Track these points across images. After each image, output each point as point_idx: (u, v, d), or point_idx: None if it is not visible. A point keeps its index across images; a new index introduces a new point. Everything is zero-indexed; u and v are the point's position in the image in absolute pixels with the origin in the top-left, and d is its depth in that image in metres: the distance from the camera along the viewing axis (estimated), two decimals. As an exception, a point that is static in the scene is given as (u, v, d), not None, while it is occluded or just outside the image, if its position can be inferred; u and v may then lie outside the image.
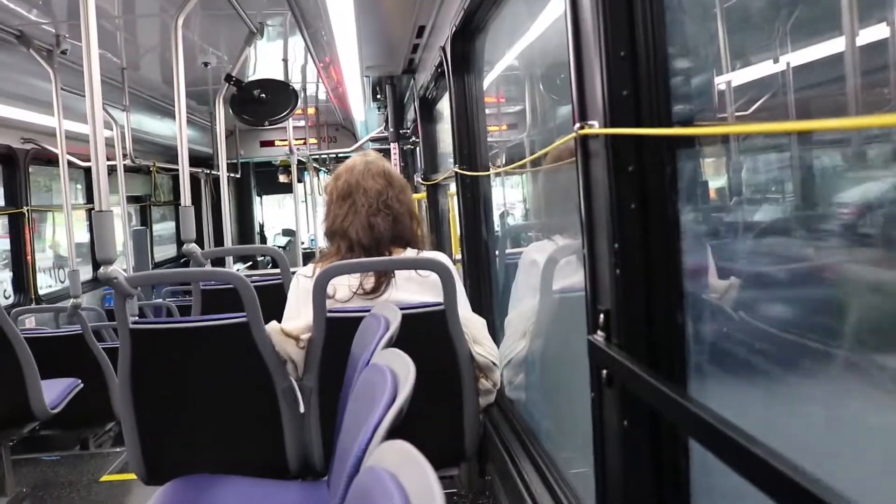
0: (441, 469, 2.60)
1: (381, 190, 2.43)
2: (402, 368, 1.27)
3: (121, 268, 2.34)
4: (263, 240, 13.40)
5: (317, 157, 10.23)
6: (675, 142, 1.16)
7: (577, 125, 1.29)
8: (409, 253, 2.45)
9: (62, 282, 6.96)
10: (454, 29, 2.88)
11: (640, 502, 1.25)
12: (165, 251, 10.29)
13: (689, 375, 1.20)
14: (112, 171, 5.87)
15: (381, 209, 2.41)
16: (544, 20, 2.37)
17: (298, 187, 8.55)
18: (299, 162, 8.36)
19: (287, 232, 13.41)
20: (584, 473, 1.60)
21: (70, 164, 4.77)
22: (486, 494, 2.62)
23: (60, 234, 6.84)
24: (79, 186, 7.68)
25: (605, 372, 1.27)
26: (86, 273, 7.05)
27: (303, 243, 9.99)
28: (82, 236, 7.29)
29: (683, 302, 1.19)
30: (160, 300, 5.51)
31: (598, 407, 1.33)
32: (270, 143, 11.10)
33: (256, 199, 13.51)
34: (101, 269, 2.33)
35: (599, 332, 1.28)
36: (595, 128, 1.22)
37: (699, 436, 0.99)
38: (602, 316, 1.27)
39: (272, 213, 14.70)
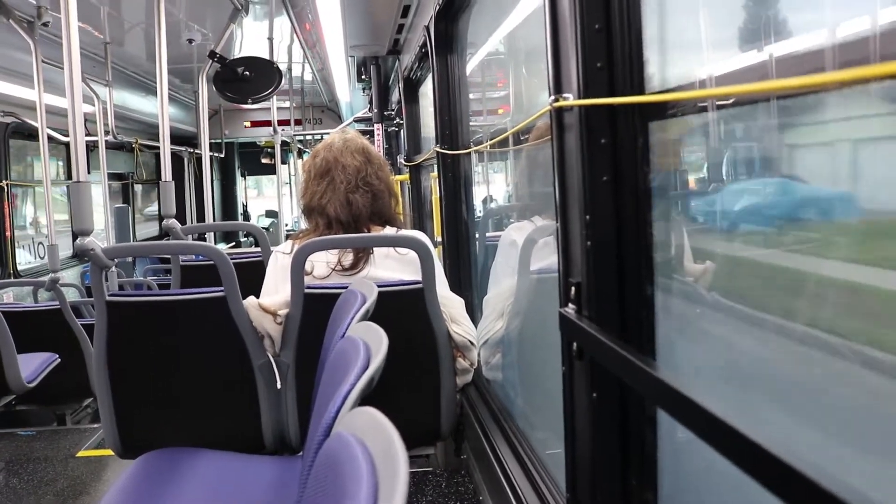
0: (417, 448, 2.61)
1: (360, 167, 2.43)
2: (375, 339, 1.27)
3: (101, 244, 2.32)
4: (247, 220, 13.33)
5: (301, 138, 10.18)
6: (647, 114, 1.17)
7: (552, 98, 1.29)
8: (388, 231, 2.44)
9: (41, 258, 6.91)
10: (438, 8, 2.86)
11: (607, 475, 1.26)
12: (149, 233, 10.21)
13: (657, 348, 1.21)
14: (94, 147, 5.81)
15: (360, 186, 2.41)
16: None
17: (282, 168, 8.49)
18: (284, 143, 8.33)
19: (270, 213, 13.36)
20: (559, 454, 1.61)
21: (50, 138, 4.72)
22: (462, 473, 2.63)
23: (41, 209, 6.78)
24: (60, 163, 7.61)
25: (575, 345, 1.28)
26: (67, 251, 6.99)
27: (286, 225, 9.96)
28: (63, 215, 7.24)
29: (654, 274, 1.19)
30: (141, 278, 5.48)
31: (569, 380, 1.34)
32: (255, 124, 11.05)
33: (240, 181, 13.44)
34: (78, 241, 2.31)
35: (570, 305, 1.29)
36: (569, 100, 1.23)
37: (666, 405, 1.00)
38: (573, 289, 1.27)
39: (258, 201, 14.65)
